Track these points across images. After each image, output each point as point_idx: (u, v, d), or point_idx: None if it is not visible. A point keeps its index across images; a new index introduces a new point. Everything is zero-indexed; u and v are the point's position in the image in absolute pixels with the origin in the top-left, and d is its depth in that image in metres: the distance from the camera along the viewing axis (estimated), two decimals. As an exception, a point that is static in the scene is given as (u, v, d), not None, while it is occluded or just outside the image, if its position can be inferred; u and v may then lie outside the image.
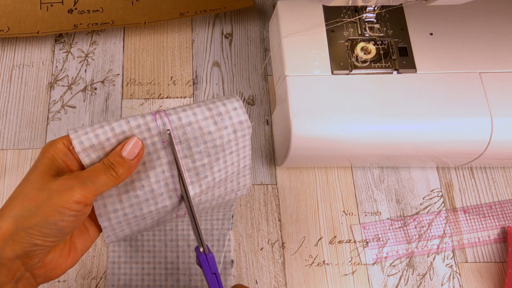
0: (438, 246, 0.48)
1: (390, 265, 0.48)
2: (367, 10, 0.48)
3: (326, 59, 0.46)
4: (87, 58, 0.57)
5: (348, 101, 0.44)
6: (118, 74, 0.56)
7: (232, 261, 0.47)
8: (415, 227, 0.49)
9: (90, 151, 0.31)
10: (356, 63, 0.46)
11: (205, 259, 0.34)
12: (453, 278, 0.47)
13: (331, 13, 0.49)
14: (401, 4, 0.49)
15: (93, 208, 0.32)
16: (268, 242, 0.48)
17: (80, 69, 0.56)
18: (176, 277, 0.45)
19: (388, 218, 0.50)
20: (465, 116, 0.44)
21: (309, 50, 0.47)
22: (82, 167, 0.31)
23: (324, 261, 0.48)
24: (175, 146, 0.33)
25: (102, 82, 0.55)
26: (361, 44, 0.47)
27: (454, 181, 0.52)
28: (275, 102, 0.53)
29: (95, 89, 0.55)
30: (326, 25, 0.48)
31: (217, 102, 0.34)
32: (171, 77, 0.56)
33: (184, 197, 0.34)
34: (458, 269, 0.48)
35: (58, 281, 0.46)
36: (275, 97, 0.52)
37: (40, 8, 0.56)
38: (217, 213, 0.46)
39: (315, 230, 0.49)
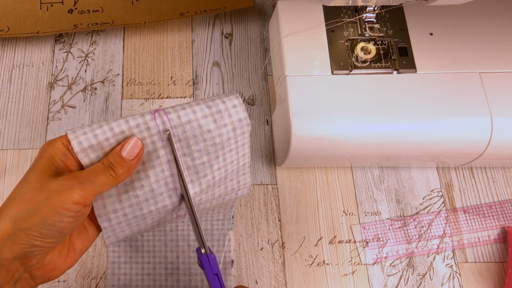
0: (438, 246, 0.48)
1: (390, 265, 0.48)
2: (367, 10, 0.48)
3: (326, 59, 0.46)
4: (87, 58, 0.57)
5: (348, 101, 0.44)
6: (118, 74, 0.56)
7: (232, 261, 0.47)
8: (415, 227, 0.49)
9: (89, 151, 0.31)
10: (356, 63, 0.46)
11: (206, 260, 0.34)
12: (453, 278, 0.47)
13: (331, 13, 0.49)
14: (401, 4, 0.49)
15: (92, 208, 0.32)
16: (268, 242, 0.48)
17: (80, 69, 0.56)
18: (176, 277, 0.45)
19: (388, 218, 0.50)
20: (465, 116, 0.44)
21: (309, 50, 0.47)
22: (81, 167, 0.31)
23: (324, 261, 0.48)
24: (174, 145, 0.33)
25: (102, 82, 0.55)
26: (361, 44, 0.47)
27: (454, 181, 0.52)
28: (275, 102, 0.53)
29: (95, 89, 0.55)
30: (326, 25, 0.48)
31: (217, 99, 0.34)
32: (171, 77, 0.56)
33: (185, 196, 0.34)
34: (458, 269, 0.48)
35: (58, 281, 0.46)
36: (275, 97, 0.52)
37: (40, 8, 0.56)
38: (217, 213, 0.46)
39: (315, 230, 0.49)
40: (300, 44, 0.47)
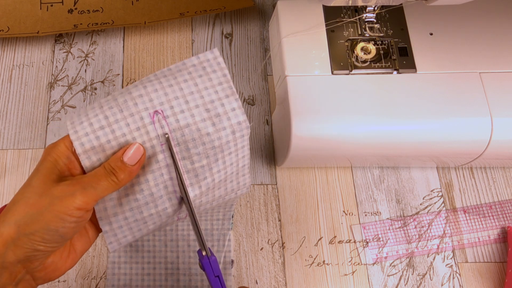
0: (438, 246, 0.48)
1: (390, 265, 0.48)
2: (367, 10, 0.48)
3: (326, 59, 0.46)
4: (87, 58, 0.57)
5: (348, 101, 0.44)
6: (118, 74, 0.56)
7: (232, 261, 0.47)
8: (415, 227, 0.49)
9: (90, 153, 0.31)
10: (356, 63, 0.46)
11: (208, 263, 0.34)
12: (453, 278, 0.47)
13: (331, 13, 0.49)
14: (401, 4, 0.49)
15: (93, 210, 0.32)
16: (268, 242, 0.48)
17: (80, 69, 0.56)
18: (176, 277, 0.45)
19: (388, 218, 0.50)
20: (465, 116, 0.44)
21: (309, 50, 0.47)
22: (83, 171, 0.32)
23: (324, 261, 0.48)
24: (174, 148, 0.33)
25: (102, 82, 0.55)
26: (361, 44, 0.47)
27: (454, 181, 0.52)
28: (275, 102, 0.53)
29: (95, 89, 0.55)
30: (326, 25, 0.48)
31: (216, 102, 0.33)
32: (171, 77, 0.56)
33: (185, 199, 0.34)
34: (458, 269, 0.48)
35: (58, 281, 0.46)
36: (275, 97, 0.52)
37: (40, 8, 0.56)
38: (217, 213, 0.46)
39: (315, 230, 0.49)
40: (300, 44, 0.47)
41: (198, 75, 0.34)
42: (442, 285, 0.47)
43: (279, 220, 0.49)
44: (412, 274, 0.47)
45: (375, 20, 0.48)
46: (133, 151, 0.31)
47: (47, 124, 0.53)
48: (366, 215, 0.50)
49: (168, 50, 0.58)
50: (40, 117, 0.53)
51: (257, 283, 0.47)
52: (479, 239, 0.49)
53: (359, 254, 0.48)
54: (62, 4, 0.57)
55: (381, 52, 0.47)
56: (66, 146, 0.31)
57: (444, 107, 0.44)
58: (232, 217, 0.47)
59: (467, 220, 0.50)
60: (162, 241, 0.46)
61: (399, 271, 0.47)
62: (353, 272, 0.47)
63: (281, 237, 0.49)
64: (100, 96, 0.54)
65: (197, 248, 0.46)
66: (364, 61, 0.47)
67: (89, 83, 0.55)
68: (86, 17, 0.56)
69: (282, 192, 0.51)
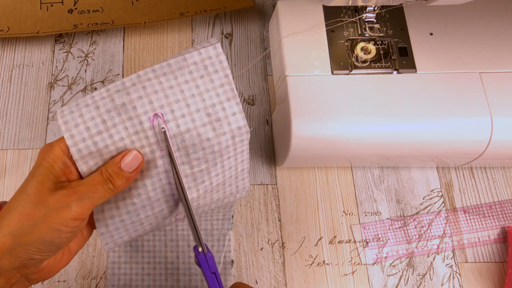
0: (438, 246, 0.48)
1: (390, 265, 0.48)
2: (367, 10, 0.48)
3: (326, 59, 0.46)
4: (87, 58, 0.57)
5: (348, 101, 0.44)
6: (118, 74, 0.56)
7: (232, 261, 0.47)
8: (415, 227, 0.49)
9: (88, 158, 0.31)
10: (356, 63, 0.46)
11: (204, 259, 0.34)
12: (453, 278, 0.47)
13: (331, 13, 0.49)
14: (401, 4, 0.49)
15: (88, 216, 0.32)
16: (268, 242, 0.48)
17: (80, 69, 0.56)
18: (176, 277, 0.45)
19: (388, 218, 0.50)
20: (465, 116, 0.44)
21: (309, 50, 0.47)
22: (79, 175, 0.31)
23: (324, 261, 0.48)
24: (174, 153, 0.32)
25: (102, 82, 0.55)
26: (361, 44, 0.47)
27: (454, 181, 0.52)
28: (275, 102, 0.53)
29: (95, 89, 0.55)
30: (326, 25, 0.48)
31: (217, 106, 0.33)
32: (171, 77, 0.56)
33: (182, 200, 0.33)
34: (458, 269, 0.48)
35: (58, 281, 0.46)
36: (275, 97, 0.52)
37: (40, 8, 0.56)
38: (217, 213, 0.46)
39: (315, 230, 0.49)
40: (300, 44, 0.47)
41: (199, 75, 0.33)
42: (442, 285, 0.47)
43: (279, 220, 0.49)
44: (412, 274, 0.47)
45: (375, 20, 0.48)
46: (131, 158, 0.30)
47: (47, 124, 0.53)
48: (366, 215, 0.50)
49: (168, 50, 0.58)
50: (40, 117, 0.53)
51: (257, 283, 0.47)
52: (479, 239, 0.49)
53: (359, 254, 0.48)
54: (62, 4, 0.57)
55: (381, 52, 0.47)
56: (62, 150, 0.30)
57: (444, 107, 0.44)
58: (232, 217, 0.47)
59: (467, 220, 0.50)
60: (162, 241, 0.46)
61: (399, 271, 0.47)
62: (353, 272, 0.47)
63: (281, 237, 0.49)
64: (100, 96, 0.54)
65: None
66: (364, 61, 0.47)
67: (89, 83, 0.55)
68: (86, 17, 0.56)
69: (282, 192, 0.51)
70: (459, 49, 0.47)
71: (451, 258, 0.48)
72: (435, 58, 0.47)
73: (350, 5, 0.45)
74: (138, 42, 0.58)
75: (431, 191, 0.51)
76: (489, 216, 0.50)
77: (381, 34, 0.48)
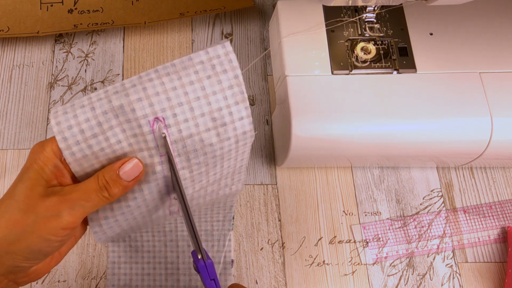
0: (438, 246, 0.48)
1: (390, 265, 0.48)
2: (367, 10, 0.48)
3: (326, 59, 0.46)
4: (87, 58, 0.57)
5: (348, 101, 0.44)
6: (118, 74, 0.56)
7: (232, 261, 0.47)
8: (415, 227, 0.49)
9: (82, 161, 0.29)
10: (356, 63, 0.46)
11: (203, 266, 0.32)
12: (453, 278, 0.47)
13: (331, 13, 0.49)
14: (401, 4, 0.49)
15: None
16: (268, 242, 0.48)
17: (80, 69, 0.56)
18: (176, 277, 0.45)
19: (388, 218, 0.50)
20: (465, 116, 0.44)
21: (309, 50, 0.47)
22: (72, 178, 0.29)
23: (324, 261, 0.48)
24: (174, 159, 0.31)
25: (102, 82, 0.55)
26: (361, 44, 0.47)
27: (454, 181, 0.52)
28: (275, 102, 0.53)
29: (95, 89, 0.55)
30: (326, 25, 0.48)
31: (224, 110, 0.30)
32: (171, 77, 0.56)
33: (182, 207, 0.32)
34: (458, 269, 0.48)
35: (58, 281, 0.46)
36: (275, 97, 0.52)
37: (40, 8, 0.56)
38: (217, 214, 0.46)
39: (315, 230, 0.49)
40: (300, 44, 0.47)
41: (206, 75, 0.30)
42: (442, 285, 0.47)
43: (279, 220, 0.49)
44: (412, 274, 0.47)
45: (375, 20, 0.48)
46: (131, 167, 0.28)
47: (47, 124, 0.53)
48: (366, 215, 0.50)
49: (168, 50, 0.58)
50: (40, 117, 0.53)
51: (257, 283, 0.47)
52: (479, 239, 0.49)
53: (359, 254, 0.48)
54: (62, 4, 0.57)
55: (381, 52, 0.47)
56: (53, 152, 0.28)
57: (444, 107, 0.44)
58: (233, 218, 0.47)
59: (467, 220, 0.50)
60: (162, 241, 0.46)
61: (399, 271, 0.47)
62: (353, 272, 0.47)
63: (281, 237, 0.49)
64: (100, 96, 0.54)
65: None
66: (364, 61, 0.47)
67: (89, 83, 0.55)
68: (86, 17, 0.56)
69: (282, 192, 0.51)
70: (459, 49, 0.47)
71: (451, 258, 0.48)
72: (435, 58, 0.47)
73: (350, 5, 0.45)
74: (138, 42, 0.58)
75: (431, 191, 0.51)
76: (489, 216, 0.50)
77: (381, 34, 0.48)
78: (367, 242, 0.48)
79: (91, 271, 0.47)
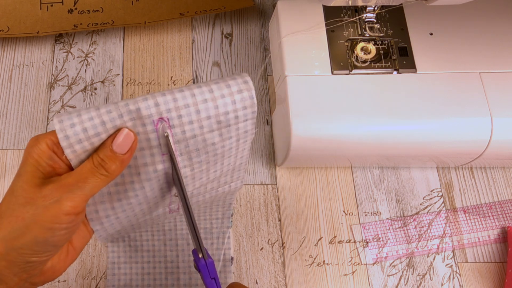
0: (438, 246, 0.48)
1: (390, 265, 0.48)
2: (367, 10, 0.48)
3: (326, 59, 0.46)
4: (87, 58, 0.57)
5: (348, 101, 0.44)
6: (118, 74, 0.56)
7: (232, 258, 0.47)
8: (415, 227, 0.49)
9: (83, 156, 0.28)
10: (356, 63, 0.46)
11: (204, 265, 0.33)
12: (453, 278, 0.47)
13: (331, 13, 0.49)
14: (401, 4, 0.49)
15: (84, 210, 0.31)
16: (268, 242, 0.48)
17: (80, 69, 0.56)
18: (176, 276, 0.45)
19: (388, 218, 0.50)
20: (465, 116, 0.44)
21: (309, 50, 0.47)
22: (69, 168, 0.28)
23: (324, 261, 0.48)
24: (176, 159, 0.31)
25: (102, 82, 0.55)
26: (361, 44, 0.47)
27: (454, 181, 0.52)
28: (275, 102, 0.53)
29: (95, 89, 0.55)
30: (326, 25, 0.48)
31: (231, 114, 0.30)
32: (171, 77, 0.56)
33: (184, 207, 0.32)
34: (458, 269, 0.48)
35: (58, 281, 0.46)
36: (275, 97, 0.52)
37: (40, 8, 0.56)
38: (216, 212, 0.46)
39: (315, 230, 0.49)
40: (300, 44, 0.47)
41: (214, 82, 0.30)
42: (442, 285, 0.47)
43: (279, 220, 0.49)
44: (412, 274, 0.47)
45: (375, 20, 0.48)
46: (122, 138, 0.28)
47: (47, 124, 0.53)
48: (366, 215, 0.50)
49: (168, 50, 0.58)
50: (40, 117, 0.53)
51: (257, 283, 0.47)
52: (479, 239, 0.49)
53: (359, 254, 0.48)
54: (62, 4, 0.57)
55: (381, 52, 0.47)
56: (47, 145, 0.27)
57: (444, 107, 0.44)
58: (232, 215, 0.47)
59: (467, 220, 0.50)
60: (161, 240, 0.46)
61: (399, 271, 0.47)
62: (353, 272, 0.47)
63: (281, 237, 0.49)
64: (100, 96, 0.54)
65: None
66: (364, 61, 0.47)
67: (89, 83, 0.55)
68: (86, 17, 0.56)
69: (282, 192, 0.51)
70: (459, 49, 0.47)
71: (451, 258, 0.48)
72: (435, 58, 0.47)
73: (350, 5, 0.45)
74: (138, 42, 0.58)
75: (431, 191, 0.51)
76: (489, 216, 0.50)
77: (381, 34, 0.48)
78: (367, 242, 0.48)
79: (91, 271, 0.47)
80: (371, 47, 0.47)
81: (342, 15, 0.49)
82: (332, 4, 0.44)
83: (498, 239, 0.49)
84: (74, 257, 0.31)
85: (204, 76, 0.56)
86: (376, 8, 0.48)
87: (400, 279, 0.47)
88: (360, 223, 0.49)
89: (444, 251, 0.48)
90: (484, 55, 0.47)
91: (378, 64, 0.46)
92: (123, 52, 0.57)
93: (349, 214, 0.50)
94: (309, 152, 0.45)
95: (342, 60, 0.46)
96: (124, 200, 0.32)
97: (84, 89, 0.55)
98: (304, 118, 0.43)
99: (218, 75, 0.56)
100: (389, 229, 0.49)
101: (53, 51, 0.57)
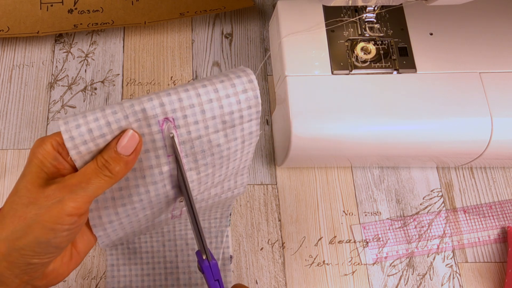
0: (438, 246, 0.48)
1: (390, 265, 0.48)
2: (367, 10, 0.48)
3: (326, 59, 0.46)
4: (87, 58, 0.57)
5: (348, 101, 0.44)
6: (118, 74, 0.56)
7: (231, 257, 0.47)
8: (415, 227, 0.49)
9: (87, 157, 0.28)
10: (356, 63, 0.46)
11: (208, 266, 0.32)
12: (453, 278, 0.47)
13: (331, 13, 0.49)
14: (401, 4, 0.49)
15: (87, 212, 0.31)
16: (268, 242, 0.48)
17: (80, 69, 0.56)
18: (176, 276, 0.45)
19: (388, 218, 0.50)
20: (465, 116, 0.44)
21: (309, 50, 0.47)
22: (74, 169, 0.28)
23: (324, 261, 0.48)
24: (182, 160, 0.30)
25: (102, 82, 0.55)
26: (361, 44, 0.47)
27: (454, 181, 0.52)
28: (275, 102, 0.53)
29: (95, 89, 0.55)
30: (326, 25, 0.48)
31: (235, 113, 0.30)
32: (171, 77, 0.56)
33: (189, 210, 0.32)
34: (458, 269, 0.48)
35: (58, 281, 0.46)
36: (275, 97, 0.52)
37: (40, 8, 0.56)
38: (215, 213, 0.46)
39: (315, 230, 0.49)
40: (300, 44, 0.47)
41: (219, 80, 0.29)
42: (442, 285, 0.47)
43: (279, 220, 0.49)
44: (412, 274, 0.47)
45: (375, 20, 0.48)
46: (127, 139, 0.27)
47: (47, 124, 0.53)
48: (366, 215, 0.50)
49: (168, 50, 0.58)
50: (40, 117, 0.53)
51: (257, 283, 0.47)
52: (479, 239, 0.49)
53: (359, 254, 0.48)
54: (62, 4, 0.57)
55: (381, 52, 0.47)
56: (52, 146, 0.27)
57: (444, 107, 0.44)
58: (230, 215, 0.47)
59: (467, 220, 0.50)
60: (160, 241, 0.46)
61: (399, 271, 0.47)
62: (353, 272, 0.47)
63: (281, 237, 0.49)
64: (100, 96, 0.54)
65: (195, 245, 0.46)
66: (364, 61, 0.47)
67: (89, 83, 0.55)
68: (86, 17, 0.56)
69: (282, 192, 0.51)
70: (459, 49, 0.47)
71: (451, 258, 0.48)
72: (435, 58, 0.47)
73: (350, 5, 0.45)
74: (138, 42, 0.58)
75: (431, 191, 0.51)
76: (489, 216, 0.50)
77: (381, 34, 0.48)
78: (367, 242, 0.48)
79: (91, 271, 0.47)
80: (371, 47, 0.47)
81: (342, 15, 0.49)
82: (332, 4, 0.44)
83: (498, 239, 0.49)
84: (78, 261, 0.31)
85: (204, 76, 0.56)
86: (376, 8, 0.48)
87: (400, 279, 0.47)
88: (360, 223, 0.49)
89: (444, 251, 0.48)
90: (484, 55, 0.47)
91: (378, 64, 0.46)
92: (123, 52, 0.57)
93: (349, 214, 0.50)
94: (309, 152, 0.45)
95: (342, 60, 0.46)
96: (128, 205, 0.31)
97: (84, 89, 0.55)
98: (304, 118, 0.43)
99: (218, 75, 0.56)
100: (389, 229, 0.49)
101: (53, 51, 0.57)
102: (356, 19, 0.48)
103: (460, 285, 0.47)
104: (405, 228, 0.49)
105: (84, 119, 0.27)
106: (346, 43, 0.48)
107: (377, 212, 0.50)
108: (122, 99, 0.54)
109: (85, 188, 0.27)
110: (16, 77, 0.55)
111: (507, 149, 0.45)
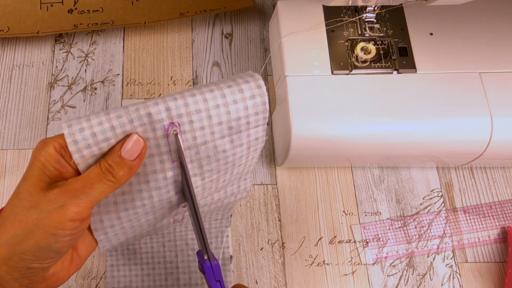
0: (438, 246, 0.48)
1: (390, 265, 0.48)
2: (367, 10, 0.48)
3: (326, 59, 0.46)
4: (87, 58, 0.57)
5: (348, 101, 0.44)
6: (118, 74, 0.56)
7: (231, 257, 0.47)
8: (415, 227, 0.49)
9: (91, 161, 0.27)
10: (356, 63, 0.46)
11: (209, 267, 0.32)
12: (453, 278, 0.47)
13: (331, 13, 0.49)
14: (401, 4, 0.49)
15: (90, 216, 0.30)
16: (268, 242, 0.48)
17: (80, 69, 0.56)
18: (176, 276, 0.45)
19: (388, 218, 0.50)
20: (465, 116, 0.44)
21: (309, 50, 0.47)
22: (77, 173, 0.28)
23: (324, 261, 0.48)
24: (187, 166, 0.30)
25: (102, 82, 0.55)
26: (361, 44, 0.47)
27: (454, 181, 0.52)
28: (275, 102, 0.53)
29: (95, 89, 0.55)
30: (326, 25, 0.48)
31: (242, 119, 0.29)
32: (171, 77, 0.56)
33: (193, 214, 0.32)
34: (458, 269, 0.48)
35: (58, 281, 0.46)
36: (275, 97, 0.52)
37: (40, 8, 0.56)
38: (216, 214, 0.46)
39: (315, 230, 0.49)
40: (300, 44, 0.47)
41: (227, 85, 0.29)
42: (442, 285, 0.47)
43: (279, 220, 0.49)
44: (412, 274, 0.47)
45: (375, 20, 0.48)
46: (131, 144, 0.27)
47: (47, 124, 0.53)
48: (366, 215, 0.50)
49: (168, 50, 0.58)
50: (40, 117, 0.53)
51: (257, 283, 0.47)
52: (479, 239, 0.49)
53: (359, 254, 0.48)
54: (62, 4, 0.57)
55: (381, 52, 0.47)
56: (55, 149, 0.27)
57: (444, 107, 0.44)
58: (231, 216, 0.47)
59: (467, 220, 0.50)
60: (160, 242, 0.46)
61: (399, 271, 0.47)
62: (353, 272, 0.47)
63: (281, 237, 0.49)
64: (100, 96, 0.54)
65: (195, 245, 0.46)
66: (364, 61, 0.47)
67: (89, 83, 0.55)
68: (86, 17, 0.56)
69: (282, 192, 0.51)
70: (459, 49, 0.47)
71: (451, 258, 0.48)
72: (435, 58, 0.47)
73: (350, 5, 0.45)
74: (138, 42, 0.58)
75: (431, 191, 0.51)
76: (489, 216, 0.50)
77: (381, 34, 0.48)
78: (367, 242, 0.48)
79: (91, 271, 0.47)
80: (371, 47, 0.47)
81: (342, 15, 0.49)
82: (332, 4, 0.44)
83: (498, 239, 0.49)
84: (79, 265, 0.31)
85: (204, 76, 0.56)
86: (376, 8, 0.48)
87: (400, 279, 0.47)
88: (360, 223, 0.49)
89: (444, 251, 0.48)
90: (484, 55, 0.47)
91: (378, 64, 0.46)
92: (123, 52, 0.57)
93: (349, 214, 0.50)
94: (309, 152, 0.45)
95: (342, 60, 0.46)
96: (131, 210, 0.31)
97: (84, 89, 0.55)
98: (304, 118, 0.43)
99: (218, 75, 0.56)
100: (389, 229, 0.49)
101: (53, 51, 0.57)
102: (356, 19, 0.48)
103: (460, 285, 0.47)
104: (405, 228, 0.49)
105: (88, 123, 0.27)
106: (346, 43, 0.48)
107: (377, 212, 0.50)
108: (122, 99, 0.54)
109: (88, 193, 0.26)
110: (16, 77, 0.55)
111: (507, 149, 0.45)
